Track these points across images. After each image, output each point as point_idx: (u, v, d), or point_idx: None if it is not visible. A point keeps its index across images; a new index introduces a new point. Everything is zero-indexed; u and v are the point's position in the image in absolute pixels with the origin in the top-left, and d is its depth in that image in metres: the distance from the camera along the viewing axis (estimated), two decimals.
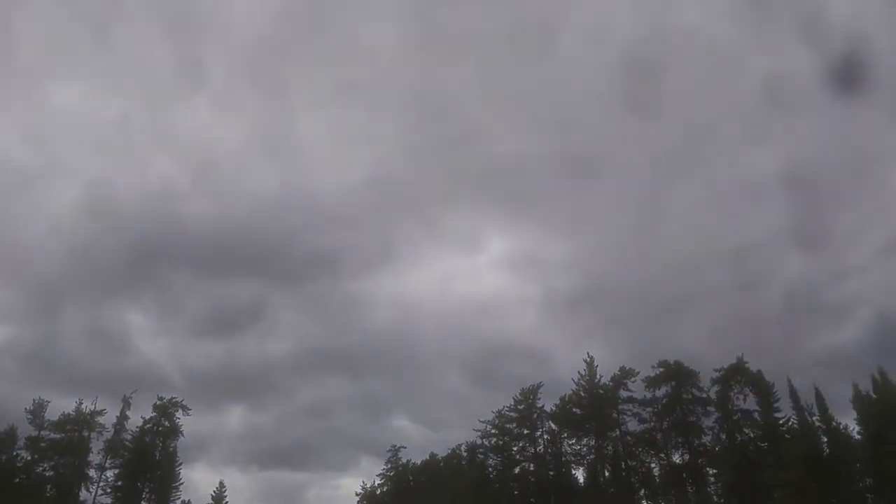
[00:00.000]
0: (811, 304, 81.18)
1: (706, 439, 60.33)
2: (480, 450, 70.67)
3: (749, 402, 57.54)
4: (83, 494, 69.48)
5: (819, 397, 55.09)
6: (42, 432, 69.32)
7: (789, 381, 55.64)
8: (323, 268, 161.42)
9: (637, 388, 62.71)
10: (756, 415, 57.45)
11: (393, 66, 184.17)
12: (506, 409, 68.61)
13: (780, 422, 56.97)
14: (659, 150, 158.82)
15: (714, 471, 60.79)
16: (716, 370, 58.37)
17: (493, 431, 69.07)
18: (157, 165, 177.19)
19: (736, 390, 57.79)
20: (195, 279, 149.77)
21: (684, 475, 61.34)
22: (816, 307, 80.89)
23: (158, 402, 72.94)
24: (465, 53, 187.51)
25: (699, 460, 60.70)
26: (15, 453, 68.95)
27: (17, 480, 68.41)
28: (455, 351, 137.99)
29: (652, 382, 61.11)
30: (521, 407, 67.48)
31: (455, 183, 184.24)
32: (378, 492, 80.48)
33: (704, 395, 59.63)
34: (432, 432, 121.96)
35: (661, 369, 60.88)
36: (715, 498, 61.52)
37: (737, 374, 57.57)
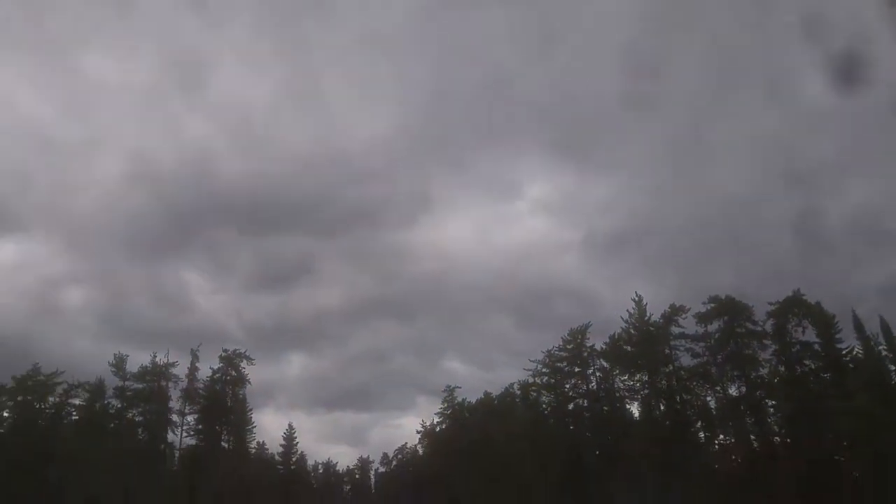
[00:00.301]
0: (872, 234, 75.25)
1: (763, 372, 58.71)
2: (533, 388, 71.70)
3: (808, 335, 55.33)
4: (170, 436, 76.10)
5: (885, 326, 52.26)
6: (126, 383, 75.39)
7: (853, 311, 52.94)
8: (364, 220, 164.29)
9: (688, 325, 61.15)
10: (816, 346, 55.28)
11: (417, 10, 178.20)
12: (555, 348, 68.95)
13: (844, 352, 54.66)
14: (701, 82, 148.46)
15: (773, 402, 59.47)
16: (770, 304, 56.08)
17: (544, 371, 69.65)
18: (192, 129, 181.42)
19: (794, 323, 55.47)
20: (241, 237, 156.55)
21: (742, 407, 60.19)
22: (878, 236, 75.06)
23: (224, 354, 77.58)
24: None
25: (757, 392, 59.28)
26: (106, 401, 75.60)
27: (112, 425, 75.15)
28: (499, 295, 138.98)
29: (703, 318, 59.11)
30: (570, 346, 67.44)
31: (487, 127, 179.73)
32: (437, 429, 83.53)
33: (760, 329, 57.50)
34: (484, 372, 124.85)
35: (713, 305, 58.84)
36: (776, 428, 60.44)
37: (794, 307, 55.08)
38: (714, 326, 59.23)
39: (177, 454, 76.47)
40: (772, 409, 59.67)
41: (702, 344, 60.11)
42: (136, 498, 62.97)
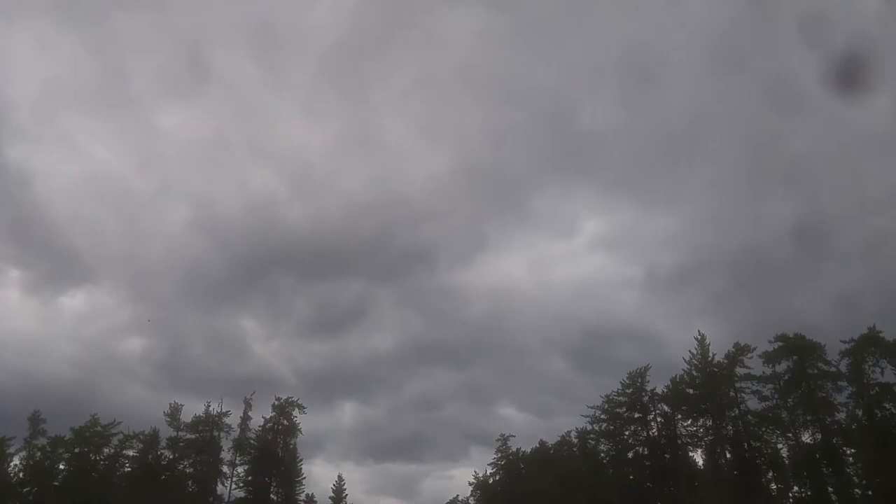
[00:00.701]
0: None
1: (840, 416, 55.11)
2: (591, 435, 69.06)
3: (888, 376, 51.99)
4: (219, 488, 75.30)
5: None
6: (179, 433, 75.40)
7: None
8: (419, 262, 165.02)
9: (755, 365, 58.12)
10: None
11: (469, 53, 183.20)
12: (614, 393, 66.42)
13: None
14: (756, 111, 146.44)
15: (852, 450, 55.53)
16: (843, 342, 53.09)
17: (602, 416, 67.07)
18: (255, 176, 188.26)
19: (870, 362, 52.26)
20: (299, 282, 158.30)
21: (817, 456, 56.35)
22: None
23: (276, 402, 77.02)
24: (541, 29, 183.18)
25: (833, 440, 55.53)
26: (159, 452, 75.72)
27: (163, 477, 74.95)
28: (556, 336, 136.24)
29: (770, 358, 56.21)
30: (629, 390, 64.96)
31: (542, 165, 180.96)
32: (490, 481, 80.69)
33: (834, 369, 54.24)
34: (539, 419, 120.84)
35: (780, 343, 56.00)
36: (856, 479, 56.21)
37: (870, 345, 51.99)
38: (783, 367, 56.31)
39: None
40: (851, 459, 55.75)
41: (770, 386, 57.06)
42: None
